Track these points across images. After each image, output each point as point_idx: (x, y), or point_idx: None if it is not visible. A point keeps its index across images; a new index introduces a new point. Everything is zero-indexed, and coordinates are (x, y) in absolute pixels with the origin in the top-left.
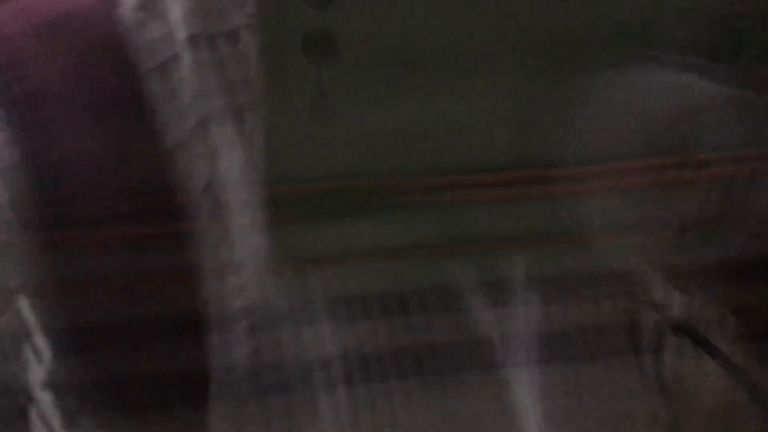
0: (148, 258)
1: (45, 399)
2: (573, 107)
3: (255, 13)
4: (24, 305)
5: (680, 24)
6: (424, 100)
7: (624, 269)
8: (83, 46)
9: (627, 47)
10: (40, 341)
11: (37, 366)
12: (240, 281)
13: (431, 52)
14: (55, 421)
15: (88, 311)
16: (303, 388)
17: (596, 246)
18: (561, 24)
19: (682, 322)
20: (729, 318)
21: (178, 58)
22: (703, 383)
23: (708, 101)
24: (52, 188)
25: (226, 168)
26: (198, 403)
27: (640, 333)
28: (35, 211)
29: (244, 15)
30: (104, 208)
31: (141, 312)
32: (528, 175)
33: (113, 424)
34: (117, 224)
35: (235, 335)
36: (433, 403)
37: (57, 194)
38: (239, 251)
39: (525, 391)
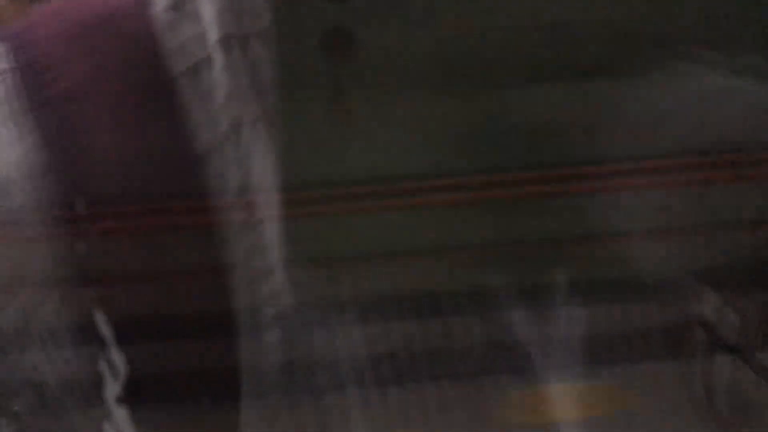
0: (178, 259)
1: (120, 413)
2: (621, 107)
3: (274, 10)
4: (98, 318)
5: (732, 25)
6: (446, 99)
7: (673, 279)
8: (116, 48)
9: (679, 48)
10: (115, 355)
11: (113, 380)
12: (273, 287)
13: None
14: None
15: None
16: (335, 390)
17: (641, 252)
18: (610, 25)
19: (733, 339)
20: None
21: (211, 59)
22: (753, 399)
23: (758, 101)
24: (83, 188)
25: (258, 171)
26: (231, 405)
27: (689, 346)
28: (64, 209)
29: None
30: (133, 210)
31: (176, 311)
32: (569, 175)
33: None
34: (147, 224)
35: (269, 340)
36: (468, 406)
37: (87, 194)
38: (272, 255)
39: (559, 396)
